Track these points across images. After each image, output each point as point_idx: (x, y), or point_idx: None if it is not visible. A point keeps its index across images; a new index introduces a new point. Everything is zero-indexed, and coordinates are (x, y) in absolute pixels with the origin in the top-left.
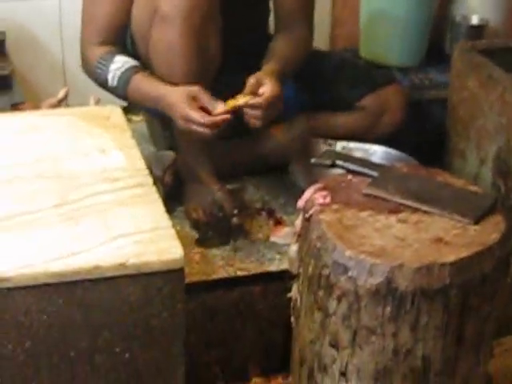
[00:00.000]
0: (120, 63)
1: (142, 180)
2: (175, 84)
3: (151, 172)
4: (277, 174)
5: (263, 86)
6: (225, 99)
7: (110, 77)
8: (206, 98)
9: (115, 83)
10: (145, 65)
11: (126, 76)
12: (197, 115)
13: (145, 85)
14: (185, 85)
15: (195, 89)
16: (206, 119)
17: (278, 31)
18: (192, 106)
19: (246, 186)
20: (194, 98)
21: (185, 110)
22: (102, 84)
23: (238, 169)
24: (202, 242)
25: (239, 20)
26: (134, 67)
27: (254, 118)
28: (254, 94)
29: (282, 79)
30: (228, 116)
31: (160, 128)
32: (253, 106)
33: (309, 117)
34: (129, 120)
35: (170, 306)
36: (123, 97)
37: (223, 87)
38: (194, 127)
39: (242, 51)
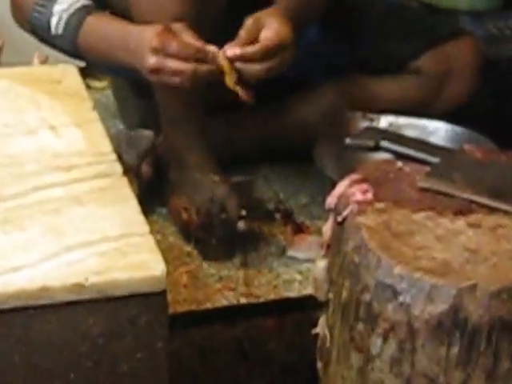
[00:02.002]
0: (66, 3)
1: (108, 168)
2: None
3: (121, 158)
4: (296, 161)
5: (264, 30)
6: None
7: (53, 22)
8: (191, 38)
9: (60, 30)
10: (116, 13)
11: (77, 18)
12: (175, 48)
13: (104, 26)
14: None
15: (178, 25)
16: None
17: None
18: (169, 43)
19: (254, 179)
20: (173, 37)
21: (156, 46)
22: (42, 34)
23: (243, 154)
24: (204, 253)
25: None
26: (86, 7)
27: (247, 73)
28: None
29: (299, 21)
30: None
31: (133, 96)
32: (245, 58)
33: (343, 81)
34: (88, 86)
35: (147, 344)
36: (71, 49)
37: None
38: (168, 69)
39: None
